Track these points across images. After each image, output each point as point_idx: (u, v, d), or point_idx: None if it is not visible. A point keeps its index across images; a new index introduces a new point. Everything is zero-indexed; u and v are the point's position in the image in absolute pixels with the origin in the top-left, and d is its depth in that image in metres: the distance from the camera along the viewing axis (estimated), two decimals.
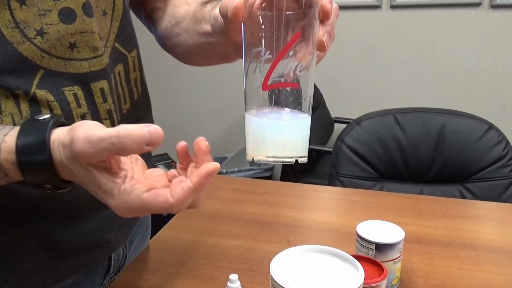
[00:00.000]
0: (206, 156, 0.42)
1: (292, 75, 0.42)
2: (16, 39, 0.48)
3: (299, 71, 0.42)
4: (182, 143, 0.44)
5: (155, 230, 0.91)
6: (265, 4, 0.43)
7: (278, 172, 2.41)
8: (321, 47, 0.44)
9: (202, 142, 0.42)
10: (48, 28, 0.50)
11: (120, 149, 0.38)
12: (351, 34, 2.44)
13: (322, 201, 1.10)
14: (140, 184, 0.41)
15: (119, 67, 0.60)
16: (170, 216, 0.87)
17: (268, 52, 0.42)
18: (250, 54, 0.43)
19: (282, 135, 0.44)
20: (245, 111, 0.45)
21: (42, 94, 0.51)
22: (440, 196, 1.10)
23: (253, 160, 0.44)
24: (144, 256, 0.81)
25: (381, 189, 1.34)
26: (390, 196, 1.09)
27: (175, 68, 2.71)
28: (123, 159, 0.43)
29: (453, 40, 2.33)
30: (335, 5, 0.45)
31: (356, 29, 2.43)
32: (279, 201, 1.06)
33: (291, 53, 0.42)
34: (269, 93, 0.43)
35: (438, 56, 2.37)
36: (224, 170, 2.23)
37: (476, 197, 1.29)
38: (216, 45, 0.56)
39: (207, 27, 0.56)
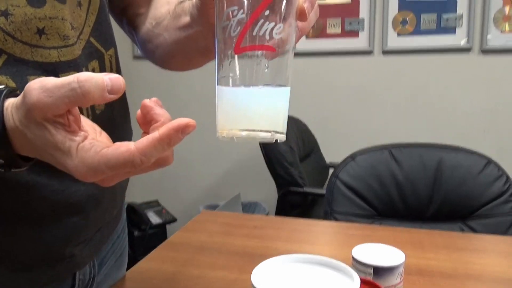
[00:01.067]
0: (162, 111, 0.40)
1: (268, 38, 0.38)
2: None
3: (276, 33, 0.38)
4: (146, 100, 0.40)
5: (133, 262, 0.83)
6: None
7: None
8: (302, 15, 0.40)
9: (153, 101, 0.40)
10: (14, 9, 0.47)
11: (81, 95, 0.34)
12: (344, 79, 2.46)
13: (317, 234, 1.03)
14: (99, 142, 0.37)
15: (94, 64, 0.56)
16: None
17: (242, 11, 0.38)
18: (222, 17, 0.39)
19: (258, 103, 0.39)
20: (216, 83, 0.40)
21: (3, 80, 0.47)
22: None
23: (223, 135, 0.39)
24: (119, 287, 0.73)
25: None
26: (389, 230, 1.03)
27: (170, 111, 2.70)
28: (86, 126, 0.38)
29: (446, 84, 2.34)
30: None
31: (349, 74, 2.45)
32: (270, 234, 0.99)
33: (267, 12, 0.38)
34: (244, 60, 0.39)
35: (432, 100, 2.37)
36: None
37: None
38: (196, 38, 0.53)
39: (186, 19, 0.53)
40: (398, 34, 2.33)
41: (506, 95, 2.28)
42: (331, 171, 2.43)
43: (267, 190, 2.53)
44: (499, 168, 1.25)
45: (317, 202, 2.09)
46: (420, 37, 2.30)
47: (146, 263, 0.84)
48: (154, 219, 2.37)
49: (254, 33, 0.38)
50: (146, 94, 2.77)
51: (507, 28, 2.20)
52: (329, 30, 2.41)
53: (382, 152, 1.32)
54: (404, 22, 2.31)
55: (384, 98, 2.43)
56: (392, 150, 1.32)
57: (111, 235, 0.68)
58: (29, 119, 0.36)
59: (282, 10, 0.39)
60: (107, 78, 0.35)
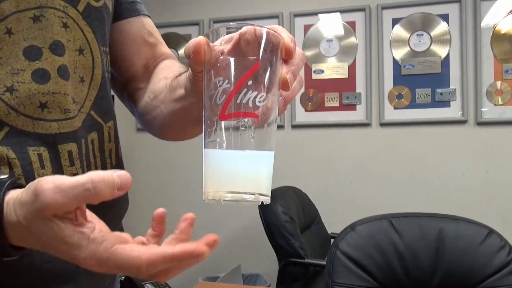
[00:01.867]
0: (189, 229, 0.41)
1: (251, 105, 0.40)
2: None
3: (259, 101, 0.41)
4: (161, 209, 0.41)
5: None
6: (230, 51, 0.43)
7: None
8: (284, 85, 0.43)
9: (190, 217, 0.41)
10: (19, 85, 0.50)
11: (95, 195, 0.36)
12: (343, 151, 2.50)
13: None
14: (111, 235, 0.38)
15: (93, 135, 0.58)
16: None
17: (227, 81, 0.40)
18: (209, 87, 0.42)
19: (242, 166, 0.40)
20: (203, 147, 0.42)
21: (3, 150, 0.49)
22: None
23: (207, 198, 0.40)
24: None
25: None
26: None
27: (168, 188, 2.72)
28: (89, 215, 0.39)
29: (444, 156, 2.37)
30: (300, 51, 0.45)
31: (347, 146, 2.49)
32: None
33: (250, 82, 0.41)
34: (229, 126, 0.41)
35: (431, 171, 2.39)
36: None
37: None
38: (190, 108, 0.56)
39: (181, 91, 0.56)
40: (395, 108, 2.40)
41: (503, 165, 2.30)
42: (332, 242, 2.39)
43: (268, 262, 2.47)
44: (501, 238, 1.24)
45: (319, 274, 2.04)
46: (416, 110, 2.37)
47: None
48: None
49: (238, 101, 0.40)
50: (147, 164, 2.82)
51: (500, 101, 2.27)
52: (327, 104, 2.49)
53: (382, 222, 1.31)
54: (399, 96, 2.39)
55: (383, 168, 2.45)
56: (391, 219, 1.32)
57: None
58: (36, 216, 0.37)
59: (265, 80, 0.41)
60: (117, 177, 0.37)
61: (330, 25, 2.51)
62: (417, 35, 2.37)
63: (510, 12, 2.28)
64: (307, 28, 2.53)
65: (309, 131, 2.53)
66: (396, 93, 2.40)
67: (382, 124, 2.43)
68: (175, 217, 0.44)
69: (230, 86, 0.40)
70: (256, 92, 0.40)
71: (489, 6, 2.29)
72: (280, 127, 2.54)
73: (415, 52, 2.38)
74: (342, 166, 2.51)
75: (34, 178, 0.49)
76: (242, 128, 0.40)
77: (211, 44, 0.43)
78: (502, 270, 1.21)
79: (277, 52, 0.43)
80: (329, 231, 2.42)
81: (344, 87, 2.47)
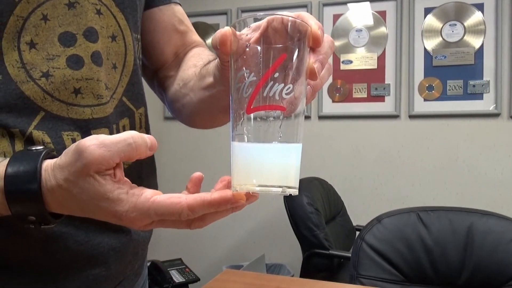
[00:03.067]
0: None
1: (278, 98, 0.40)
2: (20, 78, 0.49)
3: (286, 94, 0.40)
4: (199, 173, 0.45)
5: None
6: (257, 40, 0.43)
7: None
8: (312, 74, 0.42)
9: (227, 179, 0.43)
10: (54, 71, 0.51)
11: (135, 149, 0.40)
12: (370, 143, 2.47)
13: None
14: (147, 189, 0.41)
15: (125, 121, 0.59)
16: None
17: (253, 74, 0.40)
18: (236, 79, 0.42)
19: (270, 160, 0.40)
20: (231, 140, 0.42)
21: (39, 135, 0.50)
22: None
23: (236, 190, 0.40)
24: None
25: None
26: None
27: (190, 160, 2.74)
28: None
29: (476, 150, 2.31)
30: (329, 38, 0.45)
31: (375, 138, 2.46)
32: None
33: (277, 75, 0.40)
34: (256, 119, 0.40)
35: (462, 165, 2.33)
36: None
37: None
38: (219, 97, 0.56)
39: (210, 80, 0.57)
40: (425, 99, 2.35)
41: None
42: (358, 234, 2.38)
43: (292, 252, 2.48)
44: None
45: (343, 266, 2.03)
46: (447, 103, 2.31)
47: None
48: (177, 277, 2.33)
49: (265, 94, 0.40)
50: (175, 152, 2.86)
51: None
52: (355, 95, 2.46)
53: (409, 215, 1.29)
54: (430, 87, 2.33)
55: (411, 161, 2.41)
56: (419, 213, 1.29)
57: (133, 284, 0.68)
58: (79, 174, 0.39)
59: (292, 72, 0.41)
60: (147, 138, 0.41)
61: (359, 15, 2.46)
62: (450, 25, 2.31)
63: None
64: (336, 17, 2.49)
65: (336, 122, 2.50)
66: (427, 85, 2.34)
67: (412, 116, 2.38)
68: None
69: (256, 79, 0.40)
70: (282, 84, 0.40)
71: None
72: (307, 118, 2.52)
73: (448, 43, 2.31)
74: (369, 158, 2.47)
75: None
76: (270, 119, 0.40)
77: (238, 33, 0.43)
78: None
79: (305, 41, 0.42)
80: (354, 223, 2.40)
81: (372, 78, 2.43)
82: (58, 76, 0.51)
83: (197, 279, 2.41)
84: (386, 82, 2.41)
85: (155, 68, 0.72)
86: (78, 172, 0.39)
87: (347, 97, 2.47)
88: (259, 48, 0.42)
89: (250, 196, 0.40)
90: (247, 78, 0.40)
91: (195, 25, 2.98)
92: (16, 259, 0.50)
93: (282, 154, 0.41)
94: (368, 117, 2.45)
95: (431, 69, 2.33)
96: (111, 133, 0.56)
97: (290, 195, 0.41)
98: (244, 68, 0.41)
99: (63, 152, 0.41)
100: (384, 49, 2.41)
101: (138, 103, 0.62)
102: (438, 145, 2.37)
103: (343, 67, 2.47)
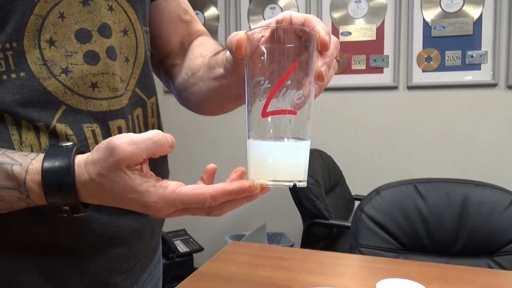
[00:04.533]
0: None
1: (289, 103, 0.44)
2: (43, 74, 0.52)
3: (298, 99, 0.44)
4: (213, 165, 0.50)
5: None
6: (268, 39, 0.46)
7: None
8: (320, 77, 0.46)
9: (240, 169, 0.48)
10: (73, 67, 0.54)
11: (159, 147, 0.45)
12: (369, 114, 2.50)
13: (341, 267, 1.05)
14: (171, 181, 0.46)
15: (138, 111, 0.62)
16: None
17: (268, 81, 0.44)
18: (251, 84, 0.45)
19: (282, 157, 0.45)
20: (247, 138, 0.46)
21: (62, 128, 0.53)
22: None
23: (253, 182, 0.45)
24: None
25: None
26: (414, 264, 1.04)
27: (197, 150, 2.78)
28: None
29: (473, 120, 2.34)
30: (335, 39, 0.48)
31: (374, 109, 2.49)
32: (296, 266, 1.02)
33: (289, 82, 0.44)
34: (270, 120, 0.45)
35: (459, 136, 2.37)
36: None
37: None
38: (229, 86, 0.59)
39: (220, 71, 0.59)
40: (423, 71, 2.36)
41: None
42: (356, 203, 2.44)
43: (292, 221, 2.55)
44: None
45: (342, 235, 2.10)
46: (445, 73, 2.33)
47: None
48: (181, 248, 2.41)
49: (278, 100, 0.44)
50: (173, 127, 2.85)
51: None
52: (354, 67, 2.47)
53: (407, 187, 1.34)
54: (428, 58, 2.35)
55: (410, 132, 2.45)
56: (417, 185, 1.34)
57: (149, 265, 0.73)
58: (112, 169, 0.44)
59: (302, 79, 0.45)
60: (169, 137, 0.46)
61: None
62: None
63: None
64: None
65: (335, 94, 2.52)
66: (425, 56, 2.35)
67: (410, 87, 2.40)
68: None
69: (270, 86, 0.44)
70: (294, 91, 0.44)
71: None
72: None
73: (447, 13, 2.31)
74: (368, 129, 2.51)
75: (89, 151, 0.54)
76: (282, 120, 0.45)
77: (250, 32, 0.47)
78: None
79: (313, 48, 0.45)
80: (353, 193, 2.46)
81: (371, 49, 2.44)
82: (76, 72, 0.54)
83: (201, 249, 2.49)
84: (385, 54, 2.42)
85: (161, 57, 0.75)
86: (110, 167, 0.44)
87: (346, 69, 2.49)
88: (269, 49, 0.45)
89: (264, 188, 0.45)
90: (262, 85, 0.44)
91: None
92: (48, 242, 0.54)
93: (293, 151, 0.45)
94: (366, 89, 2.47)
95: (430, 39, 2.34)
96: (126, 123, 0.59)
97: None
98: (259, 75, 0.45)
99: (95, 148, 0.46)
100: (383, 20, 2.41)
101: (149, 93, 0.65)
102: (436, 116, 2.40)
103: (342, 38, 2.47)
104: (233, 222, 2.79)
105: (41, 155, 0.47)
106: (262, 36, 0.46)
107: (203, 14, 2.73)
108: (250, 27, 2.56)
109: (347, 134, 2.54)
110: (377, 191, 1.36)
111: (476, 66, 2.29)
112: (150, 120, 0.65)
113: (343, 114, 2.54)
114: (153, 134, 0.45)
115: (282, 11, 2.46)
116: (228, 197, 0.44)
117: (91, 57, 0.55)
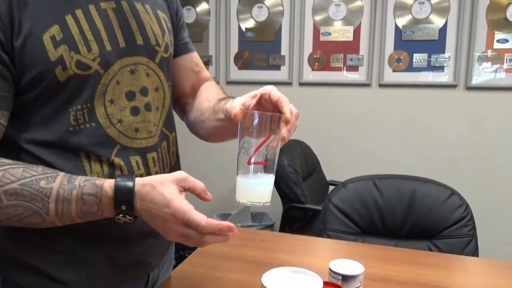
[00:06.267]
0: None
1: (264, 158, 0.72)
2: (106, 124, 0.77)
3: (268, 156, 0.72)
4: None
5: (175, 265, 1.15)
6: (254, 106, 0.73)
7: (277, 228, 2.64)
8: (283, 140, 0.73)
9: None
10: (124, 118, 0.79)
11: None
12: (345, 108, 2.77)
13: (311, 249, 1.34)
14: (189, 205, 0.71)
15: (164, 144, 0.88)
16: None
17: (251, 143, 0.72)
18: (241, 142, 0.73)
19: (257, 188, 0.73)
20: (236, 175, 0.74)
21: (118, 160, 0.79)
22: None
23: (239, 202, 0.74)
24: (168, 283, 1.05)
25: (362, 242, 1.57)
26: (366, 246, 1.34)
27: (189, 139, 3.02)
28: None
29: (434, 116, 2.64)
30: (295, 111, 0.74)
31: (349, 103, 2.76)
32: (274, 247, 1.31)
33: (263, 147, 0.71)
34: (251, 166, 0.73)
35: (423, 129, 2.67)
36: None
37: (442, 251, 1.52)
38: (227, 127, 0.84)
39: (221, 116, 0.85)
40: (393, 70, 2.64)
41: (484, 127, 2.58)
42: (331, 188, 2.74)
43: (273, 203, 2.83)
44: (460, 198, 1.55)
45: (316, 217, 2.39)
46: (412, 74, 2.61)
47: (184, 266, 1.15)
48: None
49: (256, 157, 0.71)
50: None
51: (488, 69, 2.50)
52: (333, 64, 2.73)
53: (367, 182, 1.63)
54: (398, 60, 2.62)
55: (380, 125, 2.74)
56: (375, 180, 1.63)
57: (168, 249, 1.00)
58: (159, 210, 0.69)
59: (273, 143, 0.72)
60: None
61: None
62: (419, 3, 2.55)
63: None
64: None
65: (315, 89, 2.79)
66: (396, 57, 2.62)
67: (381, 85, 2.68)
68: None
69: (253, 148, 0.71)
70: (267, 152, 0.72)
71: None
72: (289, 84, 2.80)
73: (416, 19, 2.57)
74: (343, 121, 2.79)
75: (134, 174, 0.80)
76: (258, 167, 0.73)
77: (242, 102, 0.74)
78: (458, 223, 1.54)
79: (281, 123, 0.72)
80: (328, 179, 2.75)
81: (348, 49, 2.69)
82: (126, 121, 0.79)
83: None
84: (360, 54, 2.68)
85: (177, 97, 1.00)
86: (162, 211, 0.68)
87: (325, 66, 2.74)
88: (256, 116, 0.72)
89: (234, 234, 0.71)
90: (247, 147, 0.71)
91: None
92: (108, 233, 0.80)
93: (262, 185, 0.74)
94: (343, 85, 2.74)
95: (400, 43, 2.60)
96: (157, 154, 0.84)
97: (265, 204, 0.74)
98: (247, 138, 0.72)
99: (158, 184, 0.69)
100: (360, 23, 2.66)
101: (171, 130, 0.91)
102: (403, 111, 2.69)
103: (322, 38, 2.72)
104: (220, 203, 3.07)
105: (111, 180, 0.70)
106: (250, 104, 0.73)
107: (195, 9, 2.94)
108: (238, 22, 2.77)
109: (324, 126, 2.82)
110: (343, 185, 1.64)
111: (439, 68, 2.57)
112: (171, 149, 0.91)
113: (322, 107, 2.81)
114: (194, 182, 0.72)
115: (268, 10, 2.69)
116: (215, 230, 0.68)
117: (135, 111, 0.80)
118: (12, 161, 0.70)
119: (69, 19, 0.73)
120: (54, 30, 0.71)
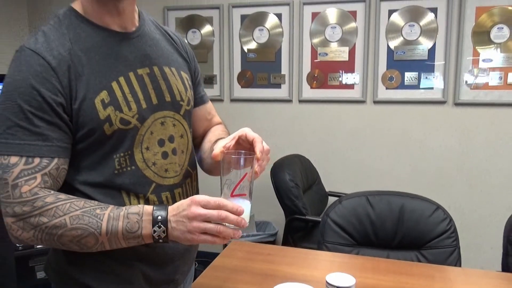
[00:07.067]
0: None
1: (243, 191, 0.88)
2: (143, 167, 0.95)
3: (246, 189, 0.88)
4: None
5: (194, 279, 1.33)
6: (233, 147, 0.91)
7: (280, 237, 2.82)
8: (256, 174, 0.89)
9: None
10: (157, 161, 0.97)
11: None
12: (342, 123, 2.95)
13: (310, 261, 1.52)
14: None
15: (188, 180, 1.06)
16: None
17: (232, 181, 0.88)
18: (224, 179, 0.89)
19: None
20: None
21: (152, 197, 0.97)
22: (402, 260, 1.51)
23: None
24: None
25: (357, 253, 1.75)
26: (360, 258, 1.52)
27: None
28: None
29: (425, 130, 2.82)
30: (267, 148, 0.91)
31: (345, 119, 2.94)
32: (279, 260, 1.49)
33: (242, 182, 0.88)
34: (233, 198, 0.89)
35: (414, 142, 2.85)
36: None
37: (428, 261, 1.70)
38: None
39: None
40: (386, 88, 2.82)
41: (472, 140, 2.76)
42: (330, 198, 2.92)
43: (276, 212, 3.01)
44: (444, 212, 1.73)
45: (316, 226, 2.58)
46: (404, 91, 2.79)
47: (202, 279, 1.34)
48: None
49: (237, 190, 0.88)
50: None
51: (474, 86, 2.69)
52: (330, 82, 2.91)
53: (361, 198, 1.81)
54: (391, 78, 2.80)
55: (374, 139, 2.92)
56: (368, 196, 1.81)
57: (190, 266, 1.18)
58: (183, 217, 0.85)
59: (249, 179, 0.88)
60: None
61: (334, 13, 2.86)
62: (409, 25, 2.73)
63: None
64: (314, 15, 2.89)
65: (314, 105, 2.97)
66: (389, 76, 2.80)
67: (375, 102, 2.86)
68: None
69: (234, 183, 0.87)
70: (244, 185, 0.88)
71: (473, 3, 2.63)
72: (289, 101, 2.99)
73: (407, 41, 2.75)
74: (340, 136, 2.97)
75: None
76: (239, 198, 0.89)
77: (223, 144, 0.92)
78: (443, 235, 1.71)
79: (254, 162, 0.88)
80: (327, 189, 2.93)
81: (344, 68, 2.88)
82: (158, 164, 0.97)
83: None
84: (355, 72, 2.86)
85: (192, 137, 1.18)
86: (184, 210, 0.84)
87: (323, 84, 2.93)
88: (233, 157, 0.89)
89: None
90: (230, 183, 0.88)
91: (192, 17, 3.34)
92: (144, 256, 0.97)
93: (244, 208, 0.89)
94: (340, 102, 2.92)
95: (392, 62, 2.78)
96: (182, 189, 1.02)
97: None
98: (228, 175, 0.88)
99: (181, 209, 0.85)
100: (354, 44, 2.84)
101: (194, 168, 1.09)
102: (396, 125, 2.87)
103: (320, 58, 2.90)
104: None
105: (150, 207, 0.86)
106: (230, 145, 0.92)
107: (200, 32, 3.12)
108: (241, 43, 2.96)
109: (322, 140, 3.01)
110: (339, 201, 1.82)
111: (429, 86, 2.75)
112: (193, 184, 1.09)
113: (320, 122, 3.00)
114: (215, 202, 0.83)
115: (269, 33, 2.87)
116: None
117: (164, 155, 0.98)
118: (76, 196, 0.88)
119: (114, 85, 0.91)
120: (103, 94, 0.90)
